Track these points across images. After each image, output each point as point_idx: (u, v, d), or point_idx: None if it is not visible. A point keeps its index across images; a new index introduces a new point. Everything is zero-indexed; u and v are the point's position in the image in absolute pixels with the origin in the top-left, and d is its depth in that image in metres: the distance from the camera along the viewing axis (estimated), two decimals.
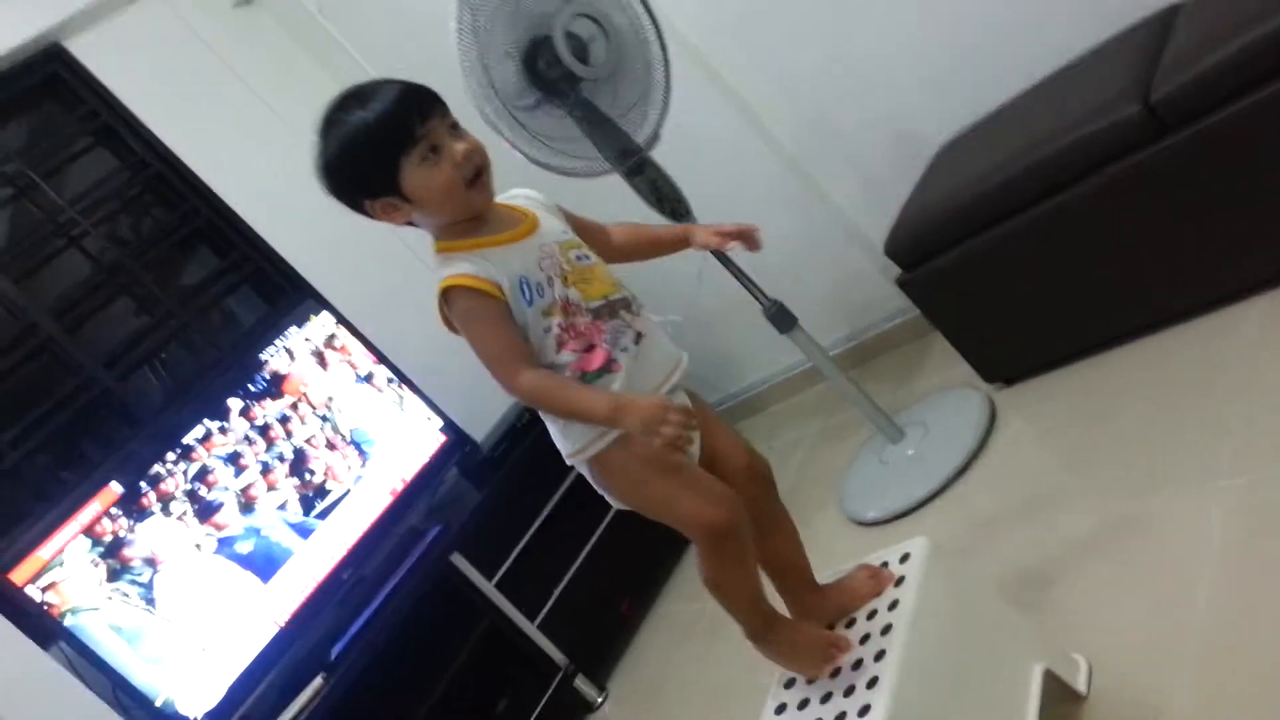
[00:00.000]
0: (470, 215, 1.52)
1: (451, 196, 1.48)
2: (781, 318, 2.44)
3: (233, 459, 2.68)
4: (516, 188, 1.66)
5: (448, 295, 1.48)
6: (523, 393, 1.48)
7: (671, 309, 2.63)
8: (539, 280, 1.49)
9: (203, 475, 2.62)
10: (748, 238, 1.80)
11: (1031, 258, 2.28)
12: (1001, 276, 2.34)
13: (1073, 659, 1.67)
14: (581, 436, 1.54)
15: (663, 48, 2.33)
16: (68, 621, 2.35)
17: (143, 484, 2.53)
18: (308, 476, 2.78)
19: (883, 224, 2.56)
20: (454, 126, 1.50)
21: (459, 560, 2.73)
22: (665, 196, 2.36)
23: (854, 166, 2.86)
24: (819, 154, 2.88)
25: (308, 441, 2.82)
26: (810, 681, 1.58)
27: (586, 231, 1.67)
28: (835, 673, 1.55)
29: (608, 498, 1.62)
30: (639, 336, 1.56)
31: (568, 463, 1.60)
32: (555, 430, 1.59)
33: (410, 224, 1.55)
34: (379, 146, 1.45)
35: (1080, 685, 1.63)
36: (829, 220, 2.96)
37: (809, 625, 1.63)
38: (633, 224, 1.80)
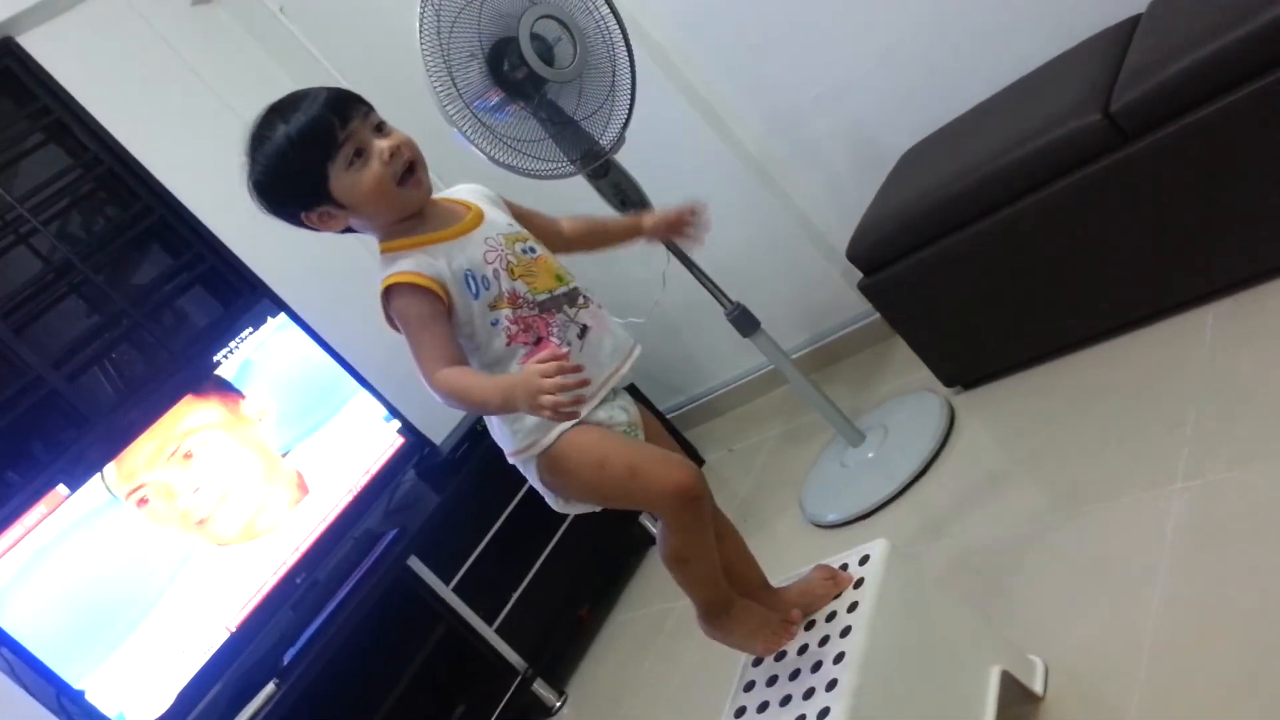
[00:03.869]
0: (408, 213, 1.49)
1: (384, 195, 1.46)
2: (744, 321, 2.44)
3: (183, 461, 2.63)
4: (461, 184, 1.64)
5: (389, 293, 1.46)
6: (436, 390, 1.45)
7: (634, 311, 2.64)
8: (485, 273, 1.47)
9: (152, 477, 2.57)
10: (694, 222, 1.76)
11: (992, 263, 2.30)
12: (962, 282, 2.36)
13: (1029, 660, 1.68)
14: (527, 435, 1.52)
15: (628, 50, 2.32)
16: (10, 626, 2.28)
17: (91, 486, 2.47)
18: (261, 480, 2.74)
19: (845, 228, 2.57)
20: (379, 126, 1.48)
21: (416, 564, 2.69)
22: (629, 199, 2.36)
23: (817, 171, 2.88)
24: (783, 158, 2.89)
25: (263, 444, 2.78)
26: (757, 663, 1.60)
27: (534, 224, 1.64)
28: (795, 674, 1.54)
29: (550, 499, 1.59)
30: (584, 330, 1.54)
31: (510, 461, 1.57)
32: (495, 429, 1.57)
33: (350, 230, 1.53)
34: (303, 157, 1.43)
35: (1037, 686, 1.64)
36: (792, 224, 2.96)
37: (765, 610, 1.63)
38: (584, 216, 1.77)
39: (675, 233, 1.78)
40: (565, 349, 1.49)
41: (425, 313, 1.44)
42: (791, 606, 1.65)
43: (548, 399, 1.30)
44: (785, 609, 1.65)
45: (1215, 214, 2.01)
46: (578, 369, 1.33)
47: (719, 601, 1.61)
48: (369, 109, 1.49)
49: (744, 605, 1.63)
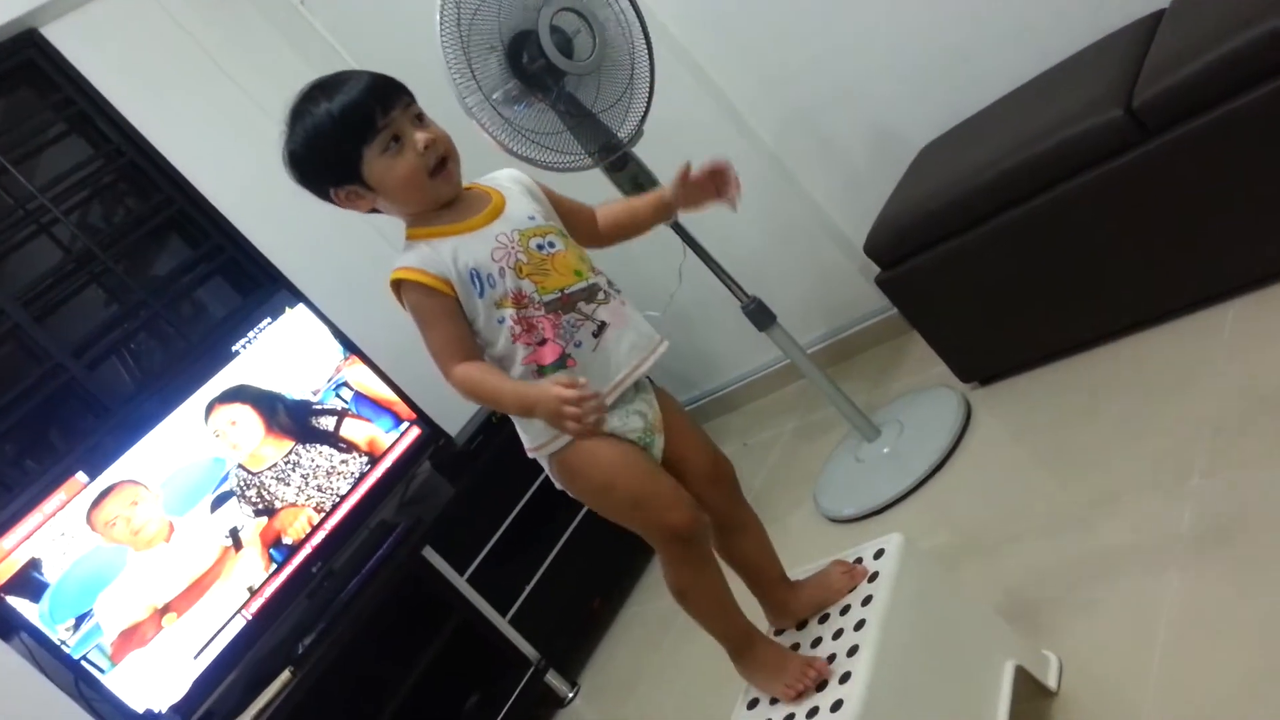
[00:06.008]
0: (434, 205, 1.52)
1: (414, 185, 1.49)
2: (760, 315, 2.44)
3: (202, 452, 2.65)
4: (504, 169, 1.65)
5: (399, 285, 1.50)
6: (455, 385, 1.50)
7: (651, 305, 2.64)
8: (490, 271, 1.48)
9: (172, 466, 2.59)
10: (721, 180, 1.66)
11: (1010, 259, 2.29)
12: (980, 277, 2.35)
13: (1044, 655, 1.67)
14: (542, 433, 1.53)
15: (647, 43, 2.33)
16: (29, 611, 2.31)
17: (110, 474, 2.49)
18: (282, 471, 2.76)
19: (863, 223, 2.56)
20: (419, 117, 1.51)
21: (430, 554, 2.71)
22: (647, 192, 2.35)
23: (835, 165, 2.87)
24: (800, 152, 2.88)
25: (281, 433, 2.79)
26: (774, 701, 1.54)
27: (571, 215, 1.65)
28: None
29: (566, 490, 1.61)
30: (602, 327, 1.53)
31: (529, 455, 1.59)
32: (517, 422, 1.58)
33: (375, 211, 1.56)
34: (341, 136, 1.46)
35: (1051, 681, 1.63)
36: (809, 218, 2.96)
37: (789, 651, 1.60)
38: (613, 205, 1.76)
39: (704, 195, 1.68)
40: (572, 354, 1.50)
41: (434, 309, 1.49)
42: (809, 602, 1.65)
43: (571, 426, 1.38)
44: (803, 604, 1.66)
45: (1237, 210, 2.00)
46: (597, 396, 1.39)
47: (737, 638, 1.60)
48: (410, 99, 1.51)
49: (769, 646, 1.60)
